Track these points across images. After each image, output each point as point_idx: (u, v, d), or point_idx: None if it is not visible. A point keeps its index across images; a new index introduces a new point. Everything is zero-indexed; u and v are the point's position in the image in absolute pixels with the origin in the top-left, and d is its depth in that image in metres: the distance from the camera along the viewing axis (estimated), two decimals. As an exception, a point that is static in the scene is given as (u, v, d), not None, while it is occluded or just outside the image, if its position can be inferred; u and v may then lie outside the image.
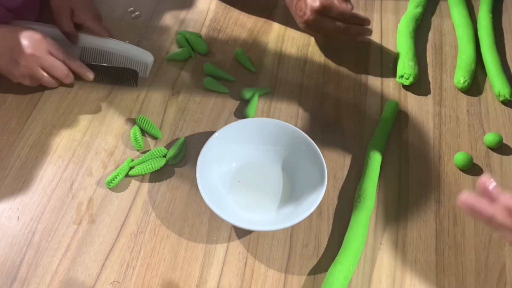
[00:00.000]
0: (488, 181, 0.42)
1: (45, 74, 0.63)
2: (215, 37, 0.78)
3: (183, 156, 0.63)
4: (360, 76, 0.74)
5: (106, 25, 0.71)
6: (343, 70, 0.75)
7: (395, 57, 0.77)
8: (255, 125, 0.62)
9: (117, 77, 0.69)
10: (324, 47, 0.78)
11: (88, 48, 0.70)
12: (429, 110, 0.71)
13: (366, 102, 0.71)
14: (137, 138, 0.63)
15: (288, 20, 0.81)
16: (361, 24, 0.71)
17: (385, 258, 0.56)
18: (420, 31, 0.81)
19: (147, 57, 0.70)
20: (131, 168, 0.61)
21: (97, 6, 0.73)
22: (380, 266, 0.56)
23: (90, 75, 0.67)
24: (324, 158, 0.58)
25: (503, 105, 0.72)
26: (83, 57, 0.70)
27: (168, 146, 0.64)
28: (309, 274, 0.55)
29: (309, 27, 0.71)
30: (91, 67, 0.67)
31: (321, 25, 0.70)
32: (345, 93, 0.72)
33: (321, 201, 0.54)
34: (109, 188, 0.60)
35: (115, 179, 0.59)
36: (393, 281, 0.55)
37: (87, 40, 0.70)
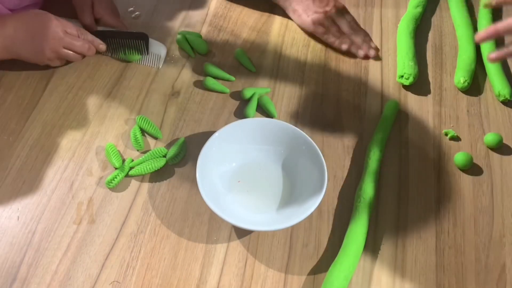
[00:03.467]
0: None
1: (70, 52, 0.67)
2: (215, 37, 0.78)
3: (183, 156, 0.63)
4: (360, 76, 0.74)
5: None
6: (343, 70, 0.75)
7: (395, 57, 0.77)
8: (255, 125, 0.62)
9: (128, 44, 0.71)
10: (324, 48, 0.78)
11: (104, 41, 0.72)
12: (429, 110, 0.71)
13: (366, 102, 0.71)
14: (137, 138, 0.63)
15: (288, 21, 0.81)
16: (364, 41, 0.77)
17: (385, 258, 0.56)
18: (420, 31, 0.81)
19: (160, 49, 0.73)
20: (131, 168, 0.61)
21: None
22: (380, 266, 0.56)
23: (103, 47, 0.70)
24: (324, 158, 0.58)
25: (503, 105, 0.72)
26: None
27: (168, 146, 0.64)
28: (309, 274, 0.55)
29: (319, 22, 0.76)
30: (102, 34, 0.70)
31: (333, 22, 0.77)
32: (345, 93, 0.72)
33: (321, 201, 0.54)
34: (109, 188, 0.60)
35: (115, 179, 0.59)
36: (393, 281, 0.55)
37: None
